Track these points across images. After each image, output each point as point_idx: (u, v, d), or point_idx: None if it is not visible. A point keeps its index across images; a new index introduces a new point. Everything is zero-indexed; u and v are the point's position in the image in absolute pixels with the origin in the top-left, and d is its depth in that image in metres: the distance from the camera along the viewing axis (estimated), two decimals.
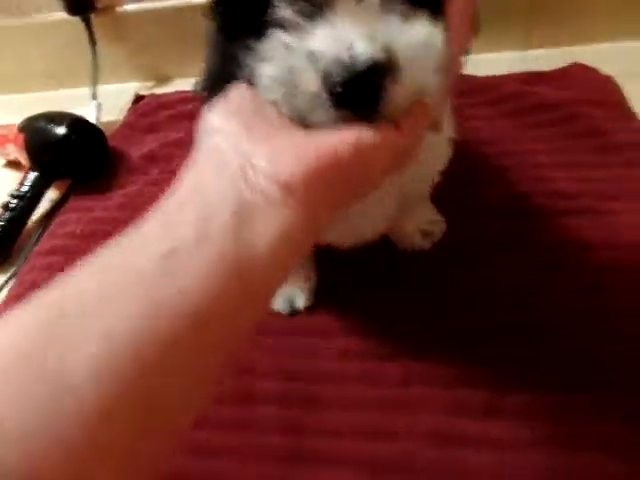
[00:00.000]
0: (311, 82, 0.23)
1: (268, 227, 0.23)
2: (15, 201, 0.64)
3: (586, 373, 0.41)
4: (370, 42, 0.23)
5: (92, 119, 0.75)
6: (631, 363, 0.41)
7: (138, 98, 0.83)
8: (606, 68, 0.68)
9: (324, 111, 0.24)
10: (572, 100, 0.63)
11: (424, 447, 0.39)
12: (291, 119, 0.25)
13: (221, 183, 0.23)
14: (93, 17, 0.79)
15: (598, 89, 0.64)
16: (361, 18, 0.23)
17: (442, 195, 0.51)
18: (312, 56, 0.23)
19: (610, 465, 0.36)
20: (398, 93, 0.24)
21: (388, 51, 0.23)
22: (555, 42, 0.75)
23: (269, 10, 0.25)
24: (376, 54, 0.22)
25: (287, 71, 0.24)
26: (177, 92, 0.81)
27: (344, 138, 0.24)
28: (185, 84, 0.85)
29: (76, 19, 0.78)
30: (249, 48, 0.26)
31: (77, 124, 0.66)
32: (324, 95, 0.23)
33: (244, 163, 0.24)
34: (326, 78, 0.23)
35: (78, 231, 0.62)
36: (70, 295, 0.21)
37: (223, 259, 0.22)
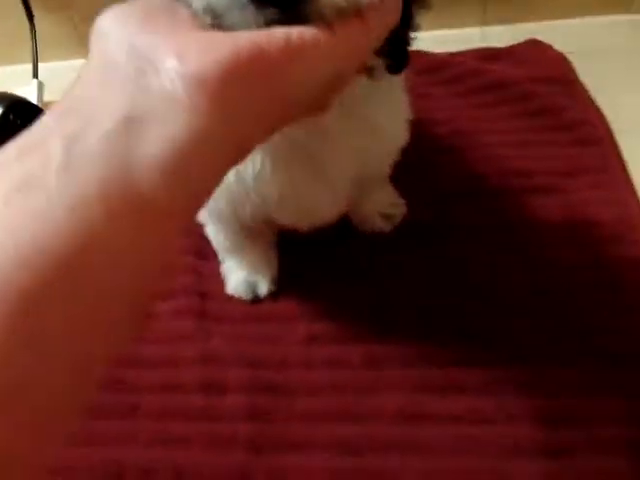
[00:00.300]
0: None
1: (168, 134, 0.18)
2: None
3: (540, 348, 0.43)
4: None
5: (33, 99, 0.70)
6: (583, 335, 0.43)
7: None
8: (560, 44, 0.69)
9: (242, 10, 0.20)
10: (526, 78, 0.64)
11: (390, 426, 0.40)
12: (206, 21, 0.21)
13: (107, 91, 0.19)
14: None
15: (552, 66, 0.66)
16: None
17: (399, 177, 0.51)
18: None
19: (568, 434, 0.38)
20: None
21: None
22: (511, 18, 0.75)
23: None
24: None
25: None
26: None
27: (275, 33, 0.20)
28: None
29: None
30: None
31: (15, 104, 0.62)
32: None
33: (140, 63, 0.19)
34: None
35: None
36: None
37: (92, 185, 0.17)
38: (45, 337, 0.16)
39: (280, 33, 0.20)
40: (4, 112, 0.60)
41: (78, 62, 0.82)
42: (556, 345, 0.43)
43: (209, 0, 0.21)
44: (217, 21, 0.21)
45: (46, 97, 0.74)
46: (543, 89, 0.62)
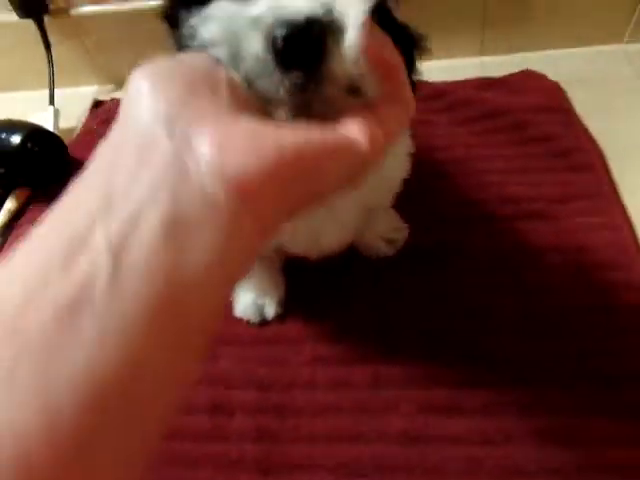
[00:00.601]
0: (254, 44, 0.22)
1: (207, 245, 0.18)
2: None
3: (538, 371, 0.45)
4: (313, 2, 0.22)
5: (50, 125, 0.73)
6: (580, 358, 0.45)
7: (97, 103, 0.81)
8: (555, 73, 0.72)
9: (269, 74, 0.22)
10: (521, 107, 0.67)
11: (394, 447, 0.41)
12: (246, 96, 0.22)
13: (147, 180, 0.18)
14: (46, 19, 0.76)
15: (546, 95, 0.68)
16: None
17: (400, 202, 0.53)
18: (254, 19, 0.22)
19: (567, 456, 0.40)
20: (341, 56, 0.22)
21: (329, 10, 0.22)
22: (508, 49, 0.78)
23: None
24: (316, 9, 0.22)
25: (231, 34, 0.23)
26: None
27: (312, 134, 0.21)
28: None
29: (29, 21, 0.75)
30: (194, 14, 0.25)
31: (34, 133, 0.65)
32: (269, 57, 0.22)
33: (180, 147, 0.19)
34: (268, 37, 0.22)
35: None
36: None
37: (141, 306, 0.17)
38: (96, 469, 0.16)
39: (317, 135, 0.21)
40: (23, 140, 0.62)
41: (88, 89, 0.86)
42: (553, 368, 0.45)
43: (241, 70, 0.23)
44: (251, 88, 0.23)
45: (61, 123, 0.77)
46: (537, 117, 0.65)
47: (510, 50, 0.79)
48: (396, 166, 0.42)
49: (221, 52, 0.23)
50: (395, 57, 0.24)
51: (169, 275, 0.17)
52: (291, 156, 0.20)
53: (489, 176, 0.61)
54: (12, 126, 0.64)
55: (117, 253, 0.17)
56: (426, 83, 0.71)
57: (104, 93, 0.85)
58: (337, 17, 0.22)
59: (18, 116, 0.70)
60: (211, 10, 0.24)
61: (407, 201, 0.54)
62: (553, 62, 0.75)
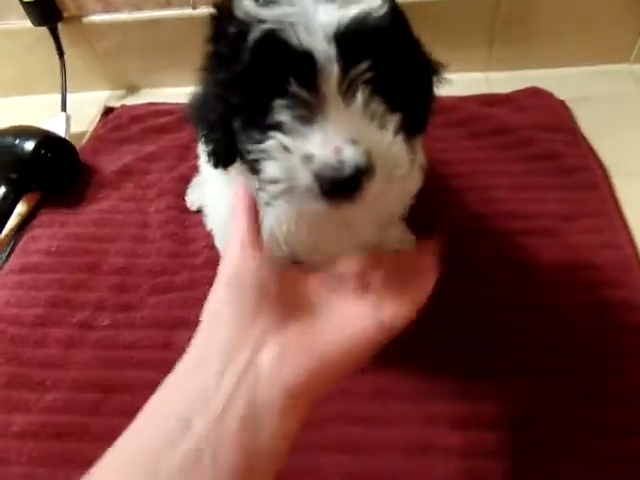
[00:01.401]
0: (306, 180, 0.28)
1: (269, 436, 0.25)
2: None
3: (541, 387, 0.46)
4: (354, 148, 0.28)
5: (61, 131, 0.75)
6: (581, 375, 0.46)
7: (107, 110, 0.82)
8: (561, 91, 0.73)
9: (316, 202, 0.29)
10: (527, 124, 0.68)
11: (397, 458, 0.42)
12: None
13: (228, 380, 0.26)
14: (60, 27, 0.77)
15: (552, 114, 0.70)
16: (348, 123, 0.28)
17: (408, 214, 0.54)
18: (307, 158, 0.28)
19: (567, 469, 0.41)
20: (371, 186, 0.29)
21: (368, 156, 0.28)
22: (513, 65, 0.80)
23: (271, 114, 0.29)
24: (359, 161, 0.27)
25: (286, 170, 0.29)
26: (149, 104, 0.81)
27: (365, 333, 0.29)
28: (154, 94, 0.85)
29: (43, 29, 0.76)
30: (252, 137, 0.31)
31: (47, 139, 0.66)
32: (316, 190, 0.28)
33: (251, 357, 0.26)
34: (318, 178, 0.28)
35: (52, 248, 0.62)
36: None
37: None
38: None
39: (353, 335, 0.29)
40: (36, 147, 0.63)
41: (99, 94, 0.87)
42: (554, 385, 0.45)
43: (293, 197, 0.29)
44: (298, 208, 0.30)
45: (72, 128, 0.78)
46: (543, 135, 0.66)
47: (516, 67, 0.80)
48: (410, 179, 0.43)
49: (276, 189, 0.29)
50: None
51: (248, 454, 0.25)
52: (333, 361, 0.27)
53: (494, 192, 0.62)
54: (26, 132, 0.65)
55: (212, 439, 0.24)
56: None
57: (115, 99, 0.87)
58: (374, 159, 0.28)
59: (31, 120, 0.72)
60: (270, 145, 0.29)
61: (412, 214, 0.55)
62: (559, 80, 0.76)
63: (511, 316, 0.51)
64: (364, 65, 0.28)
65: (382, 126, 0.29)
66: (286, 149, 0.28)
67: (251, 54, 0.29)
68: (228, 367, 0.26)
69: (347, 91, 0.29)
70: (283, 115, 0.29)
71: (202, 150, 0.38)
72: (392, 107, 0.30)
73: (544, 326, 0.50)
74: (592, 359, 0.47)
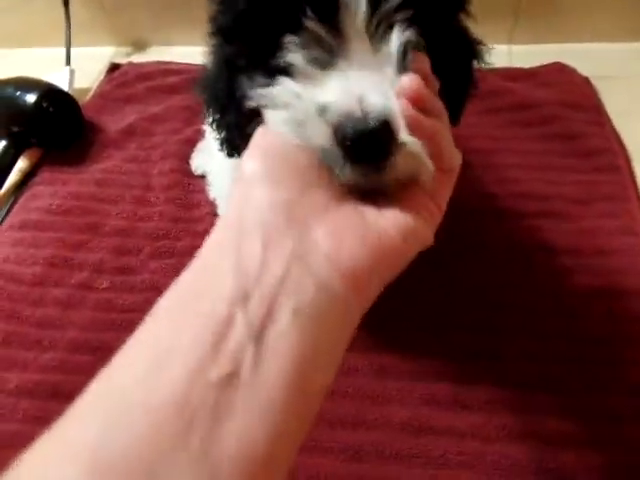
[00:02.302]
0: (321, 135, 0.23)
1: (329, 332, 0.20)
2: None
3: (543, 370, 0.45)
4: (383, 98, 0.22)
5: (65, 85, 0.72)
6: (587, 362, 0.45)
7: (113, 66, 0.79)
8: (585, 68, 0.70)
9: (336, 164, 0.23)
10: (549, 101, 0.65)
11: (396, 436, 0.41)
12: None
13: (273, 263, 0.20)
14: None
15: (575, 91, 0.66)
16: (376, 71, 0.23)
17: None
18: (322, 109, 0.22)
19: (565, 456, 0.40)
20: (405, 155, 0.23)
21: (394, 110, 0.22)
22: (537, 39, 0.76)
23: (280, 52, 0.24)
24: (387, 110, 0.22)
25: (297, 124, 0.23)
26: (157, 62, 0.78)
27: (405, 223, 0.23)
28: (163, 52, 0.82)
29: None
30: (257, 82, 0.25)
31: (49, 92, 0.63)
32: (335, 148, 0.22)
33: (300, 238, 0.21)
34: (337, 132, 0.22)
35: (53, 206, 0.60)
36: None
37: (278, 393, 0.19)
38: None
39: (404, 224, 0.23)
40: (38, 100, 0.61)
41: (105, 50, 0.84)
42: (559, 370, 0.44)
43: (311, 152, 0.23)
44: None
45: (76, 83, 0.75)
46: (565, 113, 0.63)
47: (540, 40, 0.76)
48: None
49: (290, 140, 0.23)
50: (439, 132, 0.25)
51: (302, 359, 0.19)
52: (391, 246, 0.22)
53: (511, 171, 0.59)
54: (27, 84, 0.63)
55: (258, 341, 0.19)
56: None
57: (121, 55, 0.84)
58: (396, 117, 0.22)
59: (33, 74, 0.69)
60: (277, 91, 0.24)
61: None
62: (584, 56, 0.72)
63: (519, 299, 0.49)
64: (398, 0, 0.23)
65: None
66: (298, 97, 0.23)
67: None
68: (272, 245, 0.20)
69: (377, 31, 0.23)
70: (295, 55, 0.23)
71: (214, 137, 0.34)
72: (435, 64, 0.25)
73: (553, 311, 0.48)
74: (601, 346, 0.46)
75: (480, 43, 0.32)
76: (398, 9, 0.23)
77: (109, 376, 0.20)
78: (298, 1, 0.23)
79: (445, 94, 0.26)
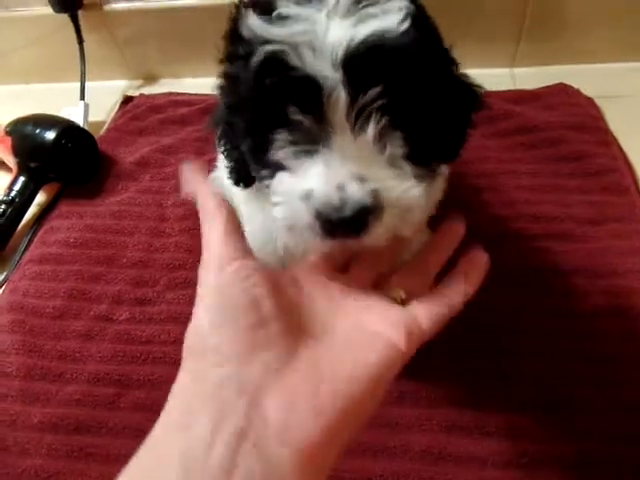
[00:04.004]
0: (306, 218, 0.26)
1: None
2: (3, 207, 0.63)
3: (562, 393, 0.45)
4: (359, 186, 0.25)
5: (80, 119, 0.74)
6: (603, 383, 0.45)
7: (126, 99, 0.81)
8: (589, 88, 0.71)
9: (318, 240, 0.26)
10: (555, 123, 0.66)
11: (417, 464, 0.42)
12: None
13: (219, 447, 0.20)
14: (80, 14, 0.77)
15: (580, 112, 0.67)
16: (355, 157, 0.25)
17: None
18: (307, 195, 0.25)
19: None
20: (379, 229, 0.26)
21: (376, 197, 0.25)
22: (540, 61, 0.77)
23: (273, 148, 0.27)
24: (363, 199, 0.24)
25: (288, 210, 0.26)
26: (168, 94, 0.80)
27: (372, 360, 0.24)
28: (173, 85, 0.84)
29: (63, 15, 0.76)
30: (257, 169, 0.29)
31: (68, 129, 0.65)
32: (317, 228, 0.26)
33: (251, 415, 0.21)
34: (318, 215, 0.25)
35: (71, 239, 0.62)
36: None
37: None
38: None
39: (369, 365, 0.24)
40: (57, 136, 0.63)
41: (118, 83, 0.86)
42: (578, 393, 0.45)
43: (295, 236, 0.27)
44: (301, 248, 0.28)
45: (90, 117, 0.78)
46: (571, 135, 0.64)
47: (543, 62, 0.77)
48: (433, 192, 0.42)
49: (282, 224, 0.27)
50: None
51: None
52: (349, 406, 0.22)
53: (519, 193, 0.60)
54: (47, 122, 0.65)
55: None
56: None
57: (133, 88, 0.86)
58: (382, 202, 0.25)
59: (50, 108, 0.72)
60: (275, 184, 0.27)
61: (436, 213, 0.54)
62: (588, 77, 0.74)
63: (532, 322, 0.50)
64: (376, 91, 0.25)
65: (397, 166, 0.26)
66: (286, 188, 0.26)
67: (253, 78, 0.26)
68: (221, 424, 0.20)
69: (357, 120, 0.25)
70: (284, 150, 0.26)
71: (224, 165, 0.37)
72: (414, 142, 0.27)
73: (566, 332, 0.49)
74: (617, 367, 0.46)
75: (477, 86, 0.33)
76: (376, 99, 0.25)
77: None
78: (285, 98, 0.26)
79: (440, 140, 0.29)
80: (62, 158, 0.65)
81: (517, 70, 0.78)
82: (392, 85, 0.25)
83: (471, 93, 0.33)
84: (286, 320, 0.24)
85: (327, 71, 0.25)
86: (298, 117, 0.26)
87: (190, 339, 0.24)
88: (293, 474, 0.20)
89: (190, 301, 0.53)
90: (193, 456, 0.20)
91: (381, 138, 0.26)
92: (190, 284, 0.57)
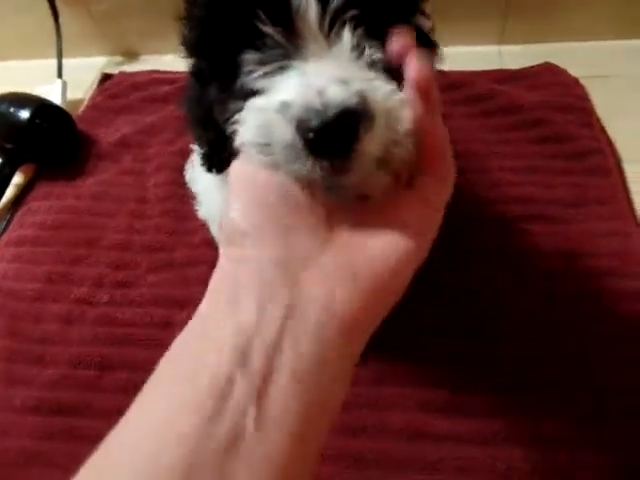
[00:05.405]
0: (284, 132, 0.22)
1: (325, 386, 0.21)
2: None
3: (537, 373, 0.46)
4: (343, 87, 0.22)
5: (57, 98, 0.72)
6: (580, 364, 0.46)
7: (105, 77, 0.79)
8: (575, 67, 0.70)
9: (301, 161, 0.23)
10: (540, 103, 0.65)
11: (394, 443, 0.42)
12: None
13: (270, 321, 0.21)
14: None
15: (566, 92, 0.67)
16: (333, 64, 0.23)
17: None
18: (283, 106, 0.23)
19: (560, 458, 0.41)
20: (372, 142, 0.23)
21: (362, 97, 0.22)
22: (528, 38, 0.76)
23: (240, 72, 0.25)
24: (349, 99, 0.22)
25: (260, 127, 0.23)
26: (149, 72, 0.78)
27: (394, 243, 0.23)
28: (153, 61, 0.82)
29: None
30: (227, 107, 0.26)
31: (43, 108, 0.63)
32: (299, 144, 0.22)
33: (295, 293, 0.21)
34: (298, 126, 0.22)
35: (49, 221, 0.61)
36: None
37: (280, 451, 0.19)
38: None
39: (396, 247, 0.23)
40: (31, 116, 0.61)
41: (96, 60, 0.84)
42: (555, 373, 0.45)
43: (274, 158, 0.23)
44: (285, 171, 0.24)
45: (68, 95, 0.75)
46: (556, 116, 0.64)
47: (531, 40, 0.76)
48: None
49: (256, 153, 0.24)
50: (441, 133, 0.25)
51: (301, 421, 0.20)
52: (383, 280, 0.23)
53: (501, 174, 0.60)
54: (20, 100, 0.63)
55: (259, 403, 0.19)
56: (443, 73, 0.69)
57: (112, 65, 0.84)
58: (370, 105, 0.22)
59: (24, 86, 0.69)
60: (246, 109, 0.24)
61: None
62: (575, 55, 0.73)
63: (512, 303, 0.50)
64: None
65: (378, 71, 0.24)
66: (260, 109, 0.23)
67: None
68: (268, 304, 0.21)
69: (330, 30, 0.23)
70: (254, 73, 0.24)
71: (198, 152, 0.35)
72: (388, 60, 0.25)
73: (545, 314, 0.49)
74: (592, 346, 0.46)
75: (436, 46, 0.32)
76: (347, 7, 0.24)
77: (119, 435, 0.20)
78: (251, 6, 0.24)
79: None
80: (38, 138, 0.63)
81: (505, 48, 0.77)
82: None
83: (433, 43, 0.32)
84: (318, 213, 0.24)
85: None
86: (266, 29, 0.24)
87: (227, 229, 0.24)
88: (339, 345, 0.21)
89: (171, 283, 0.55)
90: (244, 332, 0.20)
91: (358, 45, 0.24)
92: (171, 266, 0.56)
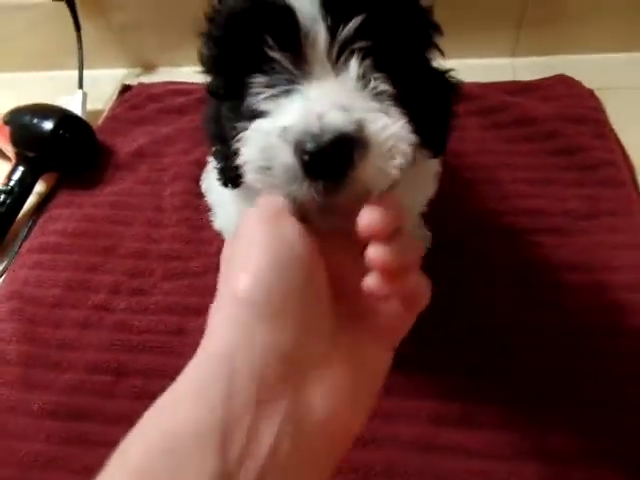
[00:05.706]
0: (285, 155, 0.23)
1: None
2: (3, 196, 0.64)
3: (552, 388, 0.45)
4: (342, 113, 0.23)
5: (78, 108, 0.74)
6: (595, 379, 0.45)
7: (125, 88, 0.81)
8: (589, 80, 0.70)
9: (297, 182, 0.23)
10: (553, 115, 0.65)
11: (405, 454, 0.43)
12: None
13: (266, 437, 0.20)
14: (77, 0, 0.76)
15: (580, 104, 0.67)
16: (338, 91, 0.24)
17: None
18: (284, 131, 0.23)
19: (574, 474, 0.41)
20: (365, 170, 0.23)
21: (360, 125, 0.23)
22: (541, 51, 0.76)
23: (249, 94, 0.26)
24: (346, 126, 0.22)
25: (263, 150, 0.24)
26: (166, 83, 0.80)
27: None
28: (171, 73, 0.84)
29: (60, 3, 0.75)
30: (236, 125, 0.27)
31: (65, 119, 0.65)
32: (297, 166, 0.23)
33: (297, 400, 0.21)
34: (296, 147, 0.23)
35: (69, 229, 0.63)
36: None
37: None
38: None
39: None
40: (55, 126, 0.63)
41: (116, 72, 0.86)
42: (568, 387, 0.45)
43: (272, 180, 0.24)
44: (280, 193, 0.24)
45: (88, 105, 0.78)
46: (569, 127, 0.64)
47: (544, 52, 0.77)
48: (423, 187, 0.42)
49: (254, 174, 0.24)
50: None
51: None
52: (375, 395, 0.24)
53: (514, 186, 0.60)
54: (44, 111, 0.65)
55: None
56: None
57: (132, 77, 0.86)
58: (367, 134, 0.23)
59: (47, 96, 0.72)
60: (250, 130, 0.25)
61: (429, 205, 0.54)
62: (589, 67, 0.73)
63: (525, 316, 0.50)
64: (357, 20, 0.23)
65: (382, 102, 0.24)
66: (264, 132, 0.24)
67: (226, 13, 0.25)
68: (264, 418, 0.20)
69: (338, 59, 0.24)
70: (261, 94, 0.25)
71: (214, 166, 0.36)
72: (399, 83, 0.25)
73: (559, 327, 0.49)
74: (607, 362, 0.46)
75: (456, 81, 0.33)
76: (356, 37, 0.24)
77: None
78: (259, 32, 0.24)
79: (424, 127, 0.27)
80: (60, 148, 0.65)
81: (518, 60, 0.77)
82: (373, 17, 0.24)
83: (453, 82, 0.32)
84: (335, 292, 0.24)
85: (304, 1, 0.24)
86: (274, 54, 0.24)
87: (231, 304, 0.23)
88: (326, 455, 0.22)
89: (186, 292, 0.56)
90: (232, 444, 0.19)
91: (364, 76, 0.24)
92: (187, 275, 0.57)
